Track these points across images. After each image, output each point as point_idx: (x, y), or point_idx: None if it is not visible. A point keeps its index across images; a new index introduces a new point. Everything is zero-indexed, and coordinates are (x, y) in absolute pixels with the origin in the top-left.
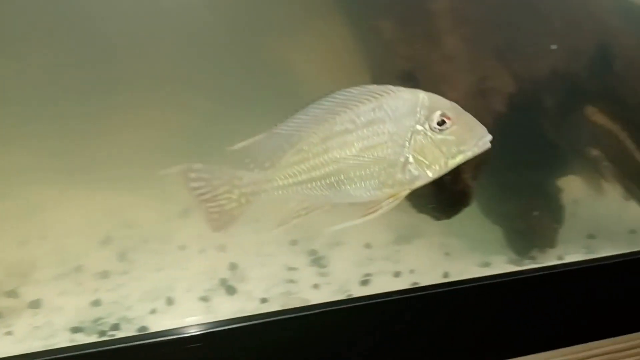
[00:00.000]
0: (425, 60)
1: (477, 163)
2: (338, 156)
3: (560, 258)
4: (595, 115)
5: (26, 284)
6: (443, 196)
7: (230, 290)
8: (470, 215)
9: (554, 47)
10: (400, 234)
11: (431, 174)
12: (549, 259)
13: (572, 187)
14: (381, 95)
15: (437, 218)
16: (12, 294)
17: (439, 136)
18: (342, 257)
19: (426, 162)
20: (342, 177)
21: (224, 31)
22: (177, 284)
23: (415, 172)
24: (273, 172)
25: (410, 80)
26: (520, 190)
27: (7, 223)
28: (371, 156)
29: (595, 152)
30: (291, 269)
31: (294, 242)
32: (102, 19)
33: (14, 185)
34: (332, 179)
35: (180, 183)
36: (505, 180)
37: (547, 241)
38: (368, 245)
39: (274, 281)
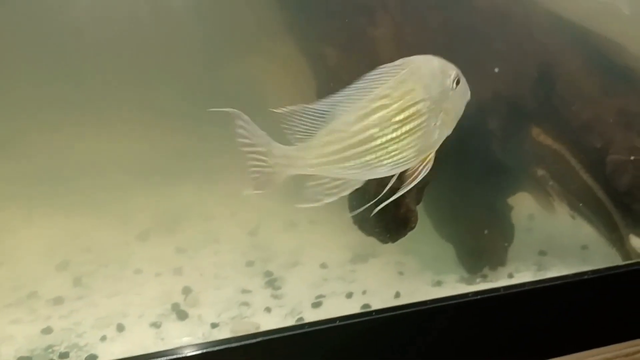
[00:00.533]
0: None
1: (420, 186)
2: (376, 133)
3: (510, 276)
4: (540, 136)
5: None
6: (387, 220)
7: (182, 316)
8: (426, 233)
9: (496, 70)
10: (356, 252)
11: (450, 131)
12: (500, 277)
13: (524, 205)
14: (405, 67)
15: (384, 242)
16: None
17: (455, 94)
18: (297, 278)
19: (448, 121)
20: (380, 153)
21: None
22: (130, 310)
23: (443, 133)
24: (305, 151)
25: None
26: (471, 209)
27: None
28: (409, 127)
29: (541, 172)
30: (245, 291)
31: (250, 264)
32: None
33: None
34: (369, 157)
35: (141, 203)
36: (457, 199)
37: (498, 259)
38: (324, 265)
39: (227, 305)
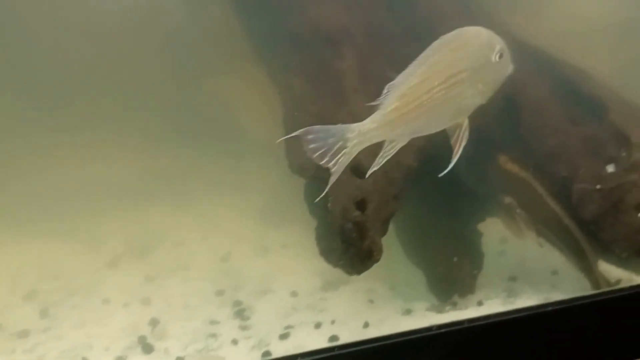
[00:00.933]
0: (332, 117)
1: (385, 219)
2: (434, 94)
3: (480, 303)
4: (507, 164)
5: None
6: (351, 253)
7: (148, 349)
8: (397, 258)
9: None
10: (327, 279)
11: (484, 101)
12: (470, 305)
13: (494, 230)
14: (459, 37)
15: (349, 273)
16: None
17: (495, 67)
18: (267, 307)
19: (485, 91)
20: (433, 112)
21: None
22: (96, 342)
23: (476, 101)
24: (378, 121)
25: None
26: (440, 236)
27: None
28: (452, 93)
29: (508, 199)
30: (214, 322)
31: (220, 292)
32: None
33: None
34: (425, 117)
35: (112, 228)
36: (426, 226)
37: (468, 287)
38: (294, 293)
39: (194, 337)
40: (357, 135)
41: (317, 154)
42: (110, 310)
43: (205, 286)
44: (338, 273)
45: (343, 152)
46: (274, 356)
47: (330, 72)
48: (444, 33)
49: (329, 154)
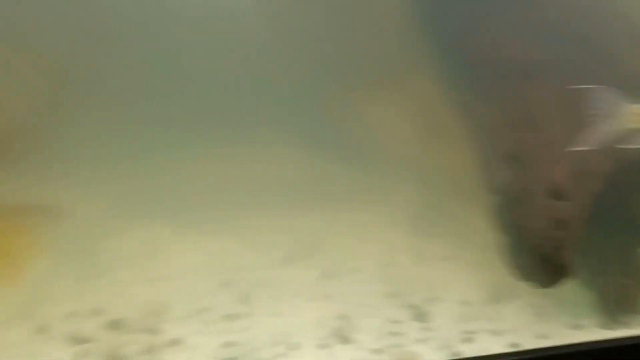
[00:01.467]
0: (528, 144)
1: (578, 238)
2: None
3: None
4: None
5: (162, 322)
6: (547, 268)
7: (344, 340)
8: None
9: None
10: (492, 292)
11: None
12: None
13: None
14: None
15: (536, 287)
16: (152, 331)
17: None
18: (442, 313)
19: None
20: None
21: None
22: (296, 331)
23: None
24: None
25: (515, 161)
26: (612, 257)
27: (133, 262)
28: None
29: None
30: (395, 321)
31: (393, 295)
32: None
33: (134, 226)
34: None
35: (282, 227)
36: (600, 248)
37: (638, 309)
38: (464, 303)
39: (380, 333)
40: (630, 115)
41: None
42: (299, 303)
43: (378, 288)
44: (501, 287)
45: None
46: (462, 356)
47: (526, 102)
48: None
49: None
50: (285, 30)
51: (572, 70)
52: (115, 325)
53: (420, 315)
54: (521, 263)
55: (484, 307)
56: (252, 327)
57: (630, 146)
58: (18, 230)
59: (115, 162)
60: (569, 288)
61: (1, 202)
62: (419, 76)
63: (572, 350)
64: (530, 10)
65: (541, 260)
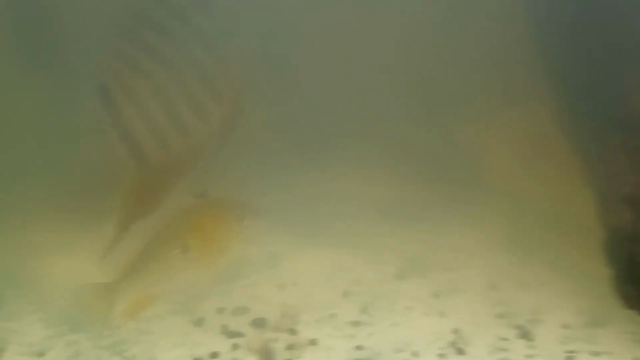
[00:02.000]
0: None
1: None
2: None
3: None
4: None
5: (297, 323)
6: None
7: (460, 351)
8: None
9: None
10: (590, 318)
11: None
12: None
13: None
14: None
15: None
16: (292, 331)
17: None
18: (545, 334)
19: None
20: None
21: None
22: (414, 341)
23: None
24: None
25: (636, 203)
26: None
27: (264, 268)
28: None
29: None
30: (503, 339)
31: (500, 316)
32: None
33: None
34: None
35: (390, 244)
36: None
37: None
38: (565, 326)
39: (492, 349)
40: None
41: None
42: (415, 316)
43: (484, 308)
44: (598, 313)
45: None
46: None
47: None
48: None
49: None
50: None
51: None
52: (258, 323)
53: (525, 335)
54: (628, 293)
55: (583, 331)
56: (376, 334)
57: None
58: (226, 221)
59: None
60: None
61: (217, 195)
62: (533, 102)
63: None
64: None
65: None
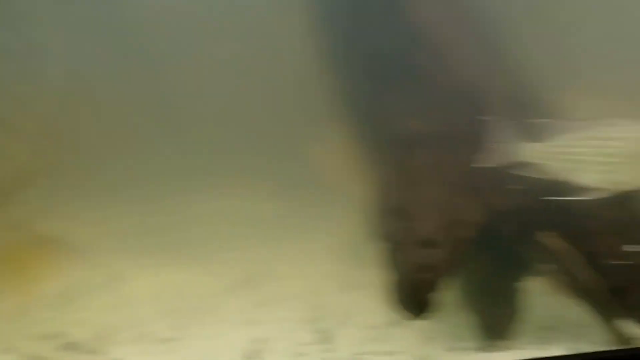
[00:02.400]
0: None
1: (445, 280)
2: None
3: (517, 348)
4: (552, 239)
5: (110, 344)
6: (414, 304)
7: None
8: (453, 305)
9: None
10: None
11: None
12: (509, 348)
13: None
14: None
15: (408, 319)
16: (100, 352)
17: None
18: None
19: None
20: None
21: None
22: (222, 352)
23: None
24: None
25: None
26: (493, 287)
27: (99, 292)
28: None
29: (550, 265)
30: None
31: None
32: None
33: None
34: None
35: (226, 258)
36: (482, 279)
37: (508, 334)
38: (370, 327)
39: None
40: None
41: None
42: (230, 328)
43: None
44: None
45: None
46: None
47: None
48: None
49: None
50: None
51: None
52: (69, 347)
53: (326, 339)
54: (398, 298)
55: (387, 331)
56: (182, 349)
57: (524, 174)
58: (36, 255)
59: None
60: (457, 316)
61: (29, 227)
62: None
63: None
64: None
65: (408, 297)
